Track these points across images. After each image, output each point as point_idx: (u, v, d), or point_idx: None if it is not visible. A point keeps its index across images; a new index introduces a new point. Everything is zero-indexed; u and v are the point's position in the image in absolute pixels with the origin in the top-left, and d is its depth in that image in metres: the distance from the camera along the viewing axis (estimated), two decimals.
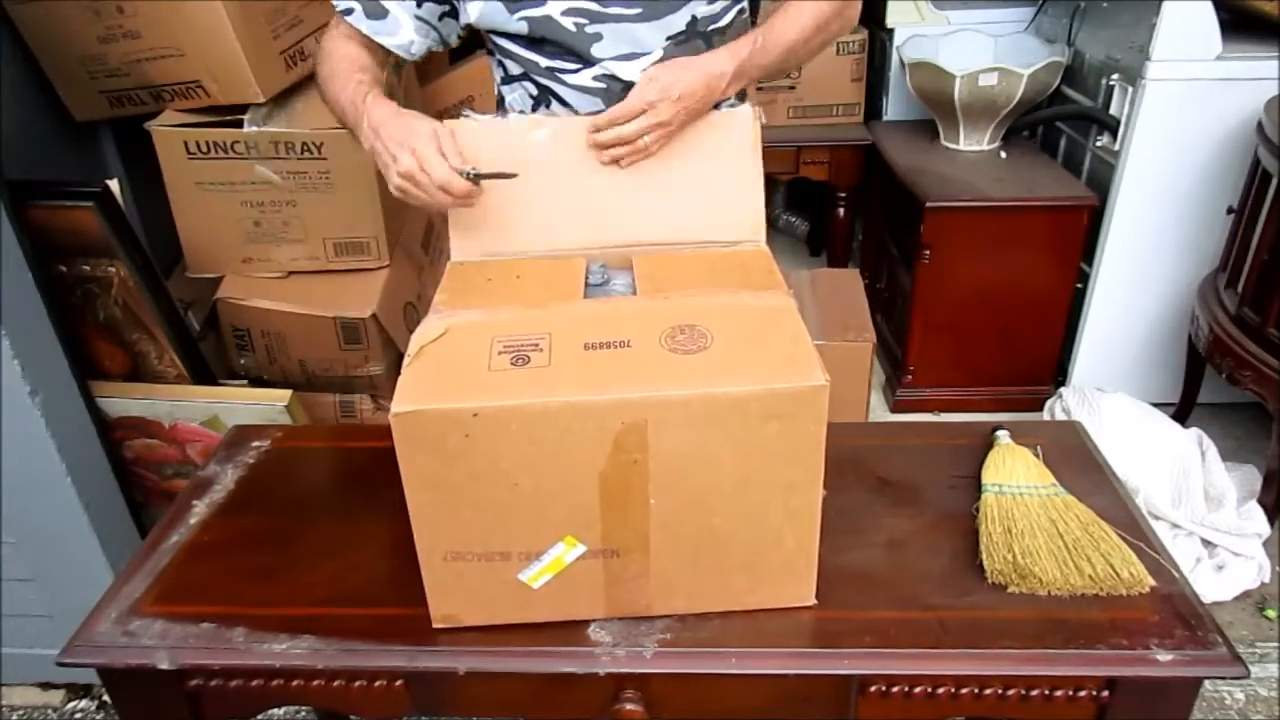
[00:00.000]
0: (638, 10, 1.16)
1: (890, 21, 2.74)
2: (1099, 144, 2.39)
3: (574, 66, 1.21)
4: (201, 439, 1.78)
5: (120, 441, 1.79)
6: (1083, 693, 0.92)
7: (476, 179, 1.05)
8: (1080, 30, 2.51)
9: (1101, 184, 2.36)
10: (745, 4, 1.25)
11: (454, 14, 1.21)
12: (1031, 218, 2.34)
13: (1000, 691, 0.92)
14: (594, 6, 1.15)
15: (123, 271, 1.68)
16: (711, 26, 1.21)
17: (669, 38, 1.19)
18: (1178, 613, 0.94)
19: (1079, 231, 2.34)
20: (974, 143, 2.59)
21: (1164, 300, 2.39)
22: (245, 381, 1.93)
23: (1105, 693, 0.92)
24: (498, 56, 1.28)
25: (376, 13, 1.18)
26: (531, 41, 1.20)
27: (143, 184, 1.92)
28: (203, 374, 1.82)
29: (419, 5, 1.19)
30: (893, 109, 2.89)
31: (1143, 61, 2.15)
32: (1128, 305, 2.40)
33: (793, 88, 2.79)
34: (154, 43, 1.70)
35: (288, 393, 1.78)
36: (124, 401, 1.75)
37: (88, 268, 1.68)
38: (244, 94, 1.73)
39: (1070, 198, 2.34)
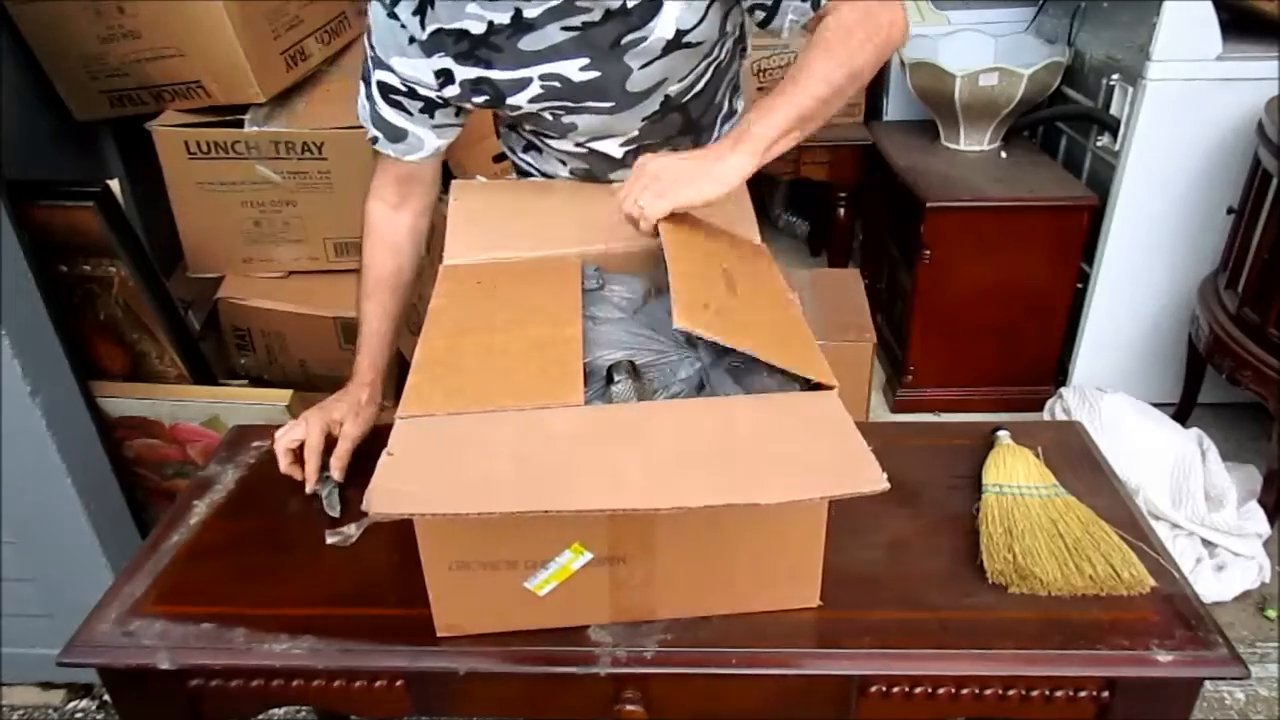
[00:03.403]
0: (611, 104, 1.17)
1: None
2: (1099, 144, 2.39)
3: (554, 136, 1.24)
4: (202, 439, 1.78)
5: (121, 441, 1.79)
6: (1083, 693, 0.92)
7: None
8: (1080, 30, 2.51)
9: (1102, 184, 2.36)
10: (722, 59, 1.23)
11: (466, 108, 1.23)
12: (1032, 218, 2.34)
13: (1001, 692, 0.92)
14: (568, 104, 1.16)
15: (123, 271, 1.68)
16: (685, 99, 1.21)
17: (644, 119, 1.20)
18: (1178, 613, 0.94)
19: (1079, 231, 2.34)
20: (974, 143, 2.59)
21: (1164, 300, 2.39)
22: (245, 381, 1.93)
23: (1105, 693, 0.91)
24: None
25: (396, 136, 1.20)
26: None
27: (143, 184, 1.92)
28: (203, 374, 1.82)
29: (432, 116, 1.19)
30: (893, 109, 2.89)
31: (1143, 61, 2.15)
32: (1128, 305, 2.40)
33: None
34: (154, 43, 1.70)
35: (288, 393, 1.78)
36: (124, 401, 1.75)
37: (88, 268, 1.68)
38: (244, 94, 1.73)
39: (1070, 198, 2.34)
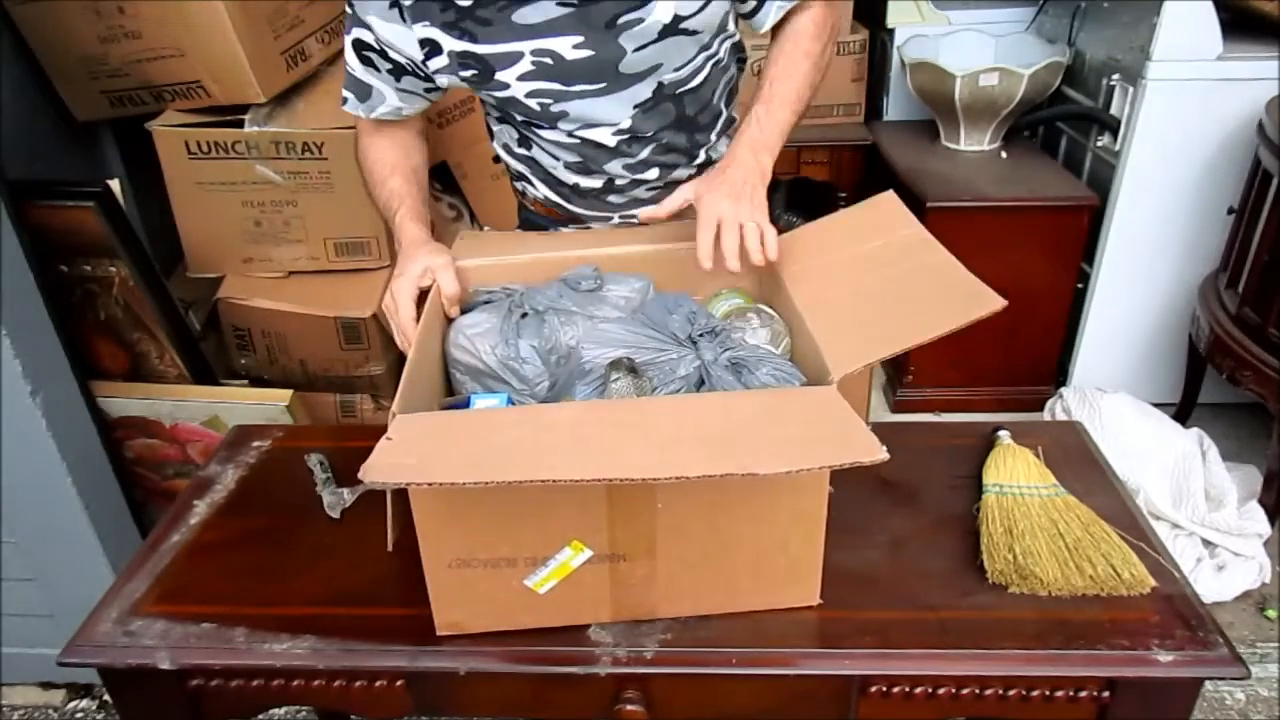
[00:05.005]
0: (601, 85, 1.15)
1: (890, 21, 2.74)
2: (1099, 144, 2.39)
3: (546, 126, 1.22)
4: (202, 439, 1.79)
5: (121, 441, 1.79)
6: (1083, 693, 0.92)
7: None
8: (1081, 30, 2.51)
9: (1102, 184, 2.36)
10: (722, 57, 1.22)
11: (438, 87, 1.22)
12: (1032, 218, 2.34)
13: (1001, 692, 0.92)
14: (557, 87, 1.14)
15: (123, 271, 1.68)
16: (681, 89, 1.19)
17: (635, 106, 1.18)
18: (1178, 613, 0.94)
19: (1079, 231, 2.34)
20: (975, 143, 2.59)
21: (1164, 300, 2.39)
22: (246, 381, 1.93)
23: (1106, 693, 0.91)
24: (483, 99, 1.29)
25: (363, 94, 1.21)
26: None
27: (143, 184, 1.93)
28: (203, 374, 1.82)
29: (398, 80, 1.18)
30: (893, 109, 2.89)
31: (1143, 61, 2.15)
32: (1128, 305, 2.40)
33: None
34: (154, 43, 1.70)
35: (288, 393, 1.78)
36: (125, 401, 1.75)
37: (88, 267, 1.68)
38: (244, 94, 1.73)
39: (1071, 198, 2.34)
